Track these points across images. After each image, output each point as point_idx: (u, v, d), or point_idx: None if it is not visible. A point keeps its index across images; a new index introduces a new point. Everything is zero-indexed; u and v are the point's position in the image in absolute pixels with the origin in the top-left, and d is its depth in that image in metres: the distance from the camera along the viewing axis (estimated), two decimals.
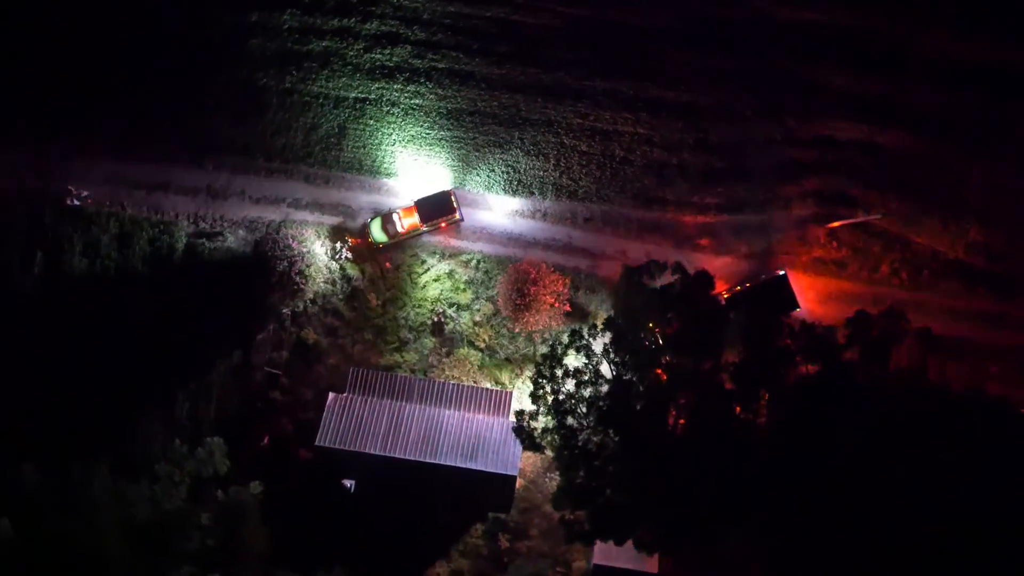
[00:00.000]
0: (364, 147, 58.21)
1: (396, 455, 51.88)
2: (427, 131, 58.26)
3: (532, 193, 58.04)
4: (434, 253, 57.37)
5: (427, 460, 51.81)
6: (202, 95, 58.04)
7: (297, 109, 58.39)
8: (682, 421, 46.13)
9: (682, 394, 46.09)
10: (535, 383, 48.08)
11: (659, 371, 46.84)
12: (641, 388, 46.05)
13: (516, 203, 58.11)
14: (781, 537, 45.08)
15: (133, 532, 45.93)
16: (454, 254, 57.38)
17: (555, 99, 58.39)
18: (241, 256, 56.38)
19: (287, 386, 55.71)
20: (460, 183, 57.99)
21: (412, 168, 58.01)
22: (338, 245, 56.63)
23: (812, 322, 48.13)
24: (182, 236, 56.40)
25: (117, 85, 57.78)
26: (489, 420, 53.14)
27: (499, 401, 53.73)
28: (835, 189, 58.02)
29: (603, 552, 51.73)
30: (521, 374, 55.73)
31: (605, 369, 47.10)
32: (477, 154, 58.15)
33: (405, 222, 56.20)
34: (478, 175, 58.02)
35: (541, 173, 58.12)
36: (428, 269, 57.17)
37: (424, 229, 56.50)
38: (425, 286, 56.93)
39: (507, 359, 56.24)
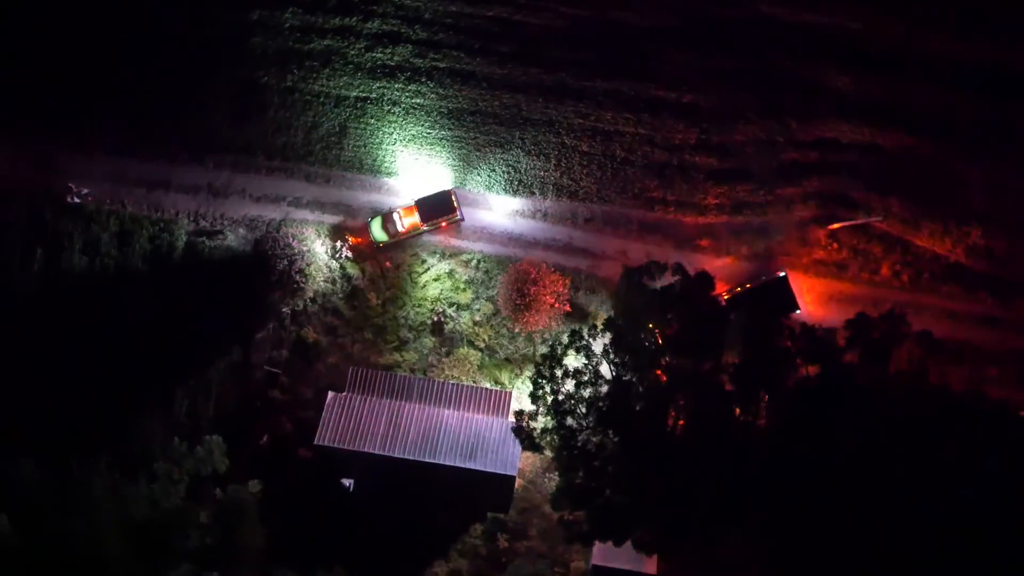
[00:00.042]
0: (365, 146, 58.19)
1: (395, 454, 51.84)
2: (428, 130, 58.23)
3: (533, 193, 58.00)
4: (434, 252, 57.35)
5: (426, 460, 51.77)
6: (203, 93, 58.06)
7: (298, 108, 58.37)
8: (681, 422, 46.08)
9: (682, 395, 46.04)
10: (535, 383, 48.03)
11: (659, 372, 46.80)
12: (641, 389, 46.01)
13: (517, 203, 58.08)
14: (781, 537, 45.05)
15: (132, 530, 45.98)
16: (454, 253, 57.36)
17: (556, 99, 58.36)
18: (241, 254, 56.37)
19: (286, 385, 55.71)
20: (461, 183, 57.96)
21: (413, 167, 57.98)
22: (338, 244, 56.62)
23: (812, 324, 48.07)
24: (182, 234, 56.40)
25: (118, 83, 57.80)
26: (488, 420, 53.10)
27: (498, 401, 53.69)
28: (836, 191, 57.99)
29: (602, 553, 51.70)
30: (521, 374, 55.70)
31: (605, 370, 47.06)
32: (478, 154, 58.12)
33: (405, 221, 56.18)
34: (479, 175, 57.99)
35: (542, 173, 58.08)
36: (428, 268, 57.15)
37: (424, 228, 56.47)
38: (425, 285, 56.91)
39: (507, 359, 56.21)
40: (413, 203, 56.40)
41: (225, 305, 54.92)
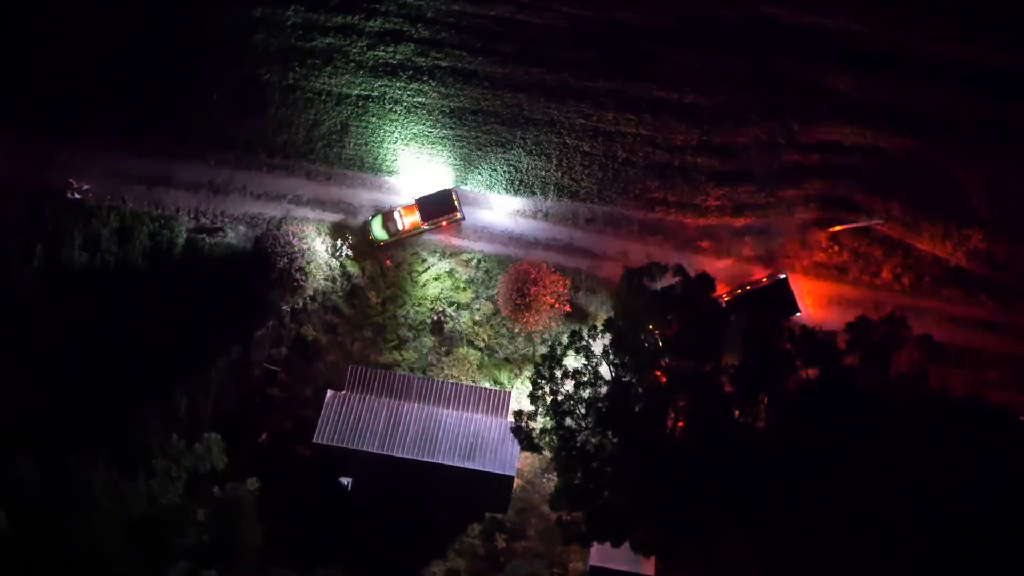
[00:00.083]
0: (366, 144, 58.14)
1: (394, 454, 51.80)
2: (429, 129, 58.18)
3: (534, 193, 57.96)
4: (435, 251, 57.30)
5: (425, 459, 51.73)
6: (205, 90, 57.98)
7: (299, 105, 58.33)
8: (681, 424, 46.04)
9: (681, 396, 46.00)
10: (534, 383, 48.01)
11: (658, 373, 46.77)
12: (640, 390, 45.97)
13: (518, 203, 58.03)
14: (781, 537, 45.04)
15: (129, 527, 45.92)
16: (455, 253, 57.31)
17: (558, 99, 58.30)
18: (241, 252, 56.32)
19: (286, 383, 55.67)
20: (462, 182, 57.92)
21: (414, 166, 57.93)
22: (339, 242, 56.57)
23: (812, 326, 48.06)
24: (183, 231, 56.35)
25: (119, 79, 57.75)
26: (487, 420, 53.07)
27: (498, 401, 53.66)
28: (837, 193, 57.97)
29: (600, 554, 51.67)
30: (520, 374, 55.66)
31: (604, 370, 47.02)
32: (479, 153, 58.07)
33: (406, 220, 56.13)
34: (480, 174, 57.94)
35: (543, 173, 58.04)
36: (428, 267, 57.10)
37: (425, 227, 56.43)
38: (425, 284, 56.86)
39: (506, 359, 56.17)
40: (414, 202, 56.36)
41: (225, 302, 54.86)
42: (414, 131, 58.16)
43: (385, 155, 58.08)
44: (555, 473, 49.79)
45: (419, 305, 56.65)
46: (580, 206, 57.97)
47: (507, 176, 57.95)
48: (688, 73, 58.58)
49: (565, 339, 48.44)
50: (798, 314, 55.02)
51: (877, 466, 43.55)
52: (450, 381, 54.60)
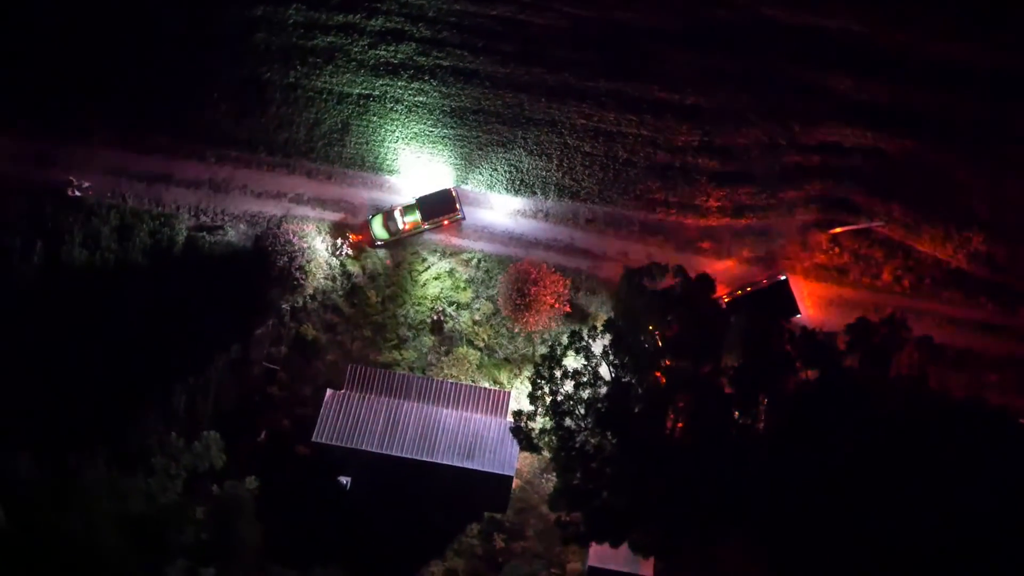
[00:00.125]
0: (367, 143, 58.11)
1: (393, 453, 51.77)
2: (430, 128, 58.15)
3: (534, 193, 57.92)
4: (435, 251, 57.27)
5: (424, 459, 51.69)
6: (206, 88, 57.95)
7: (301, 104, 58.29)
8: (680, 424, 46.01)
9: (681, 397, 45.96)
10: (534, 383, 47.98)
11: (658, 374, 46.73)
12: (640, 391, 45.94)
13: (518, 202, 58.00)
14: (781, 537, 45.01)
15: (128, 524, 45.87)
16: (455, 252, 57.27)
17: (559, 99, 58.27)
18: (241, 250, 56.29)
19: (285, 381, 55.62)
20: (462, 181, 57.89)
21: (415, 165, 57.90)
22: (339, 241, 56.54)
23: (813, 328, 48.04)
24: (183, 229, 56.32)
25: (120, 77, 57.72)
26: (487, 420, 53.03)
27: (497, 401, 53.62)
28: (838, 195, 57.94)
29: (598, 554, 51.64)
30: (520, 374, 55.62)
31: (604, 371, 46.98)
32: (480, 153, 58.04)
33: (406, 219, 56.08)
34: (481, 174, 57.91)
35: (544, 173, 58.01)
36: (429, 267, 57.07)
37: (425, 227, 56.39)
38: (425, 284, 56.82)
39: (506, 359, 56.13)
40: (414, 201, 56.31)
41: (225, 301, 54.84)
42: (415, 130, 58.13)
43: (386, 154, 58.05)
44: (554, 473, 49.77)
45: (419, 304, 56.61)
46: (581, 206, 57.94)
47: (508, 176, 57.92)
48: (689, 74, 58.56)
49: (565, 339, 48.42)
50: (798, 316, 54.97)
51: (877, 466, 43.54)
52: (450, 381, 54.57)
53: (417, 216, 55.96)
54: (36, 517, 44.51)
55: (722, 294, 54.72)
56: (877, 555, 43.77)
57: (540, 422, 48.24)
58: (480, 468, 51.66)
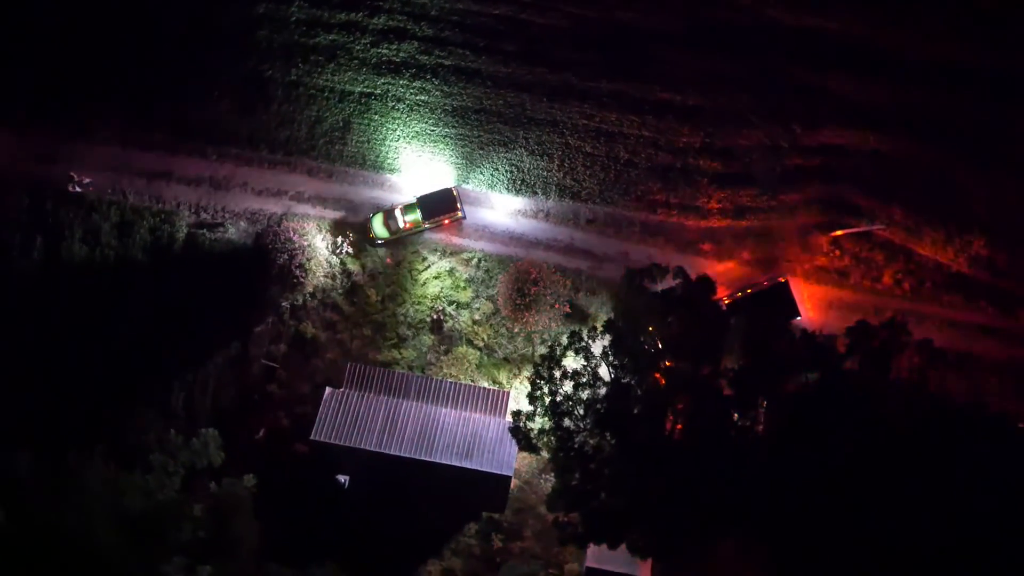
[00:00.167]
0: (368, 142, 58.06)
1: (391, 452, 51.70)
2: (432, 128, 58.11)
3: (535, 193, 57.87)
4: (435, 250, 57.22)
5: (422, 458, 51.62)
6: (207, 85, 57.91)
7: (302, 102, 58.25)
8: (679, 426, 45.95)
9: (680, 399, 45.90)
10: (533, 384, 47.91)
11: (657, 375, 46.66)
12: (639, 392, 45.87)
13: (519, 202, 57.95)
14: (781, 538, 44.97)
15: (125, 521, 45.81)
16: (455, 252, 57.23)
17: (561, 99, 58.23)
18: (242, 248, 56.27)
19: (284, 379, 55.58)
20: (463, 181, 57.84)
21: (416, 164, 57.85)
22: (339, 239, 56.49)
23: (813, 330, 47.98)
24: (183, 226, 56.30)
25: (122, 74, 57.67)
26: (485, 419, 52.97)
27: (496, 401, 53.57)
28: (839, 197, 57.87)
29: (596, 555, 51.58)
30: (519, 374, 55.57)
31: (604, 372, 46.92)
32: (481, 152, 58.00)
33: (407, 218, 56.03)
34: (482, 173, 57.87)
35: (545, 173, 57.96)
36: (429, 266, 57.02)
37: (426, 226, 56.34)
38: (425, 283, 56.78)
39: (505, 359, 56.08)
40: (415, 200, 56.26)
41: (224, 298, 54.87)
42: (416, 129, 58.09)
43: (387, 153, 58.00)
44: (552, 474, 49.73)
45: (419, 303, 56.56)
46: (581, 207, 57.89)
47: (509, 175, 57.87)
48: (691, 75, 58.51)
49: (565, 340, 48.34)
50: (798, 318, 54.94)
51: (877, 467, 43.53)
52: (449, 380, 54.51)
53: (418, 215, 55.91)
54: (34, 514, 44.44)
55: (722, 296, 54.67)
56: (877, 555, 43.74)
57: (539, 422, 48.17)
58: (478, 468, 51.59)
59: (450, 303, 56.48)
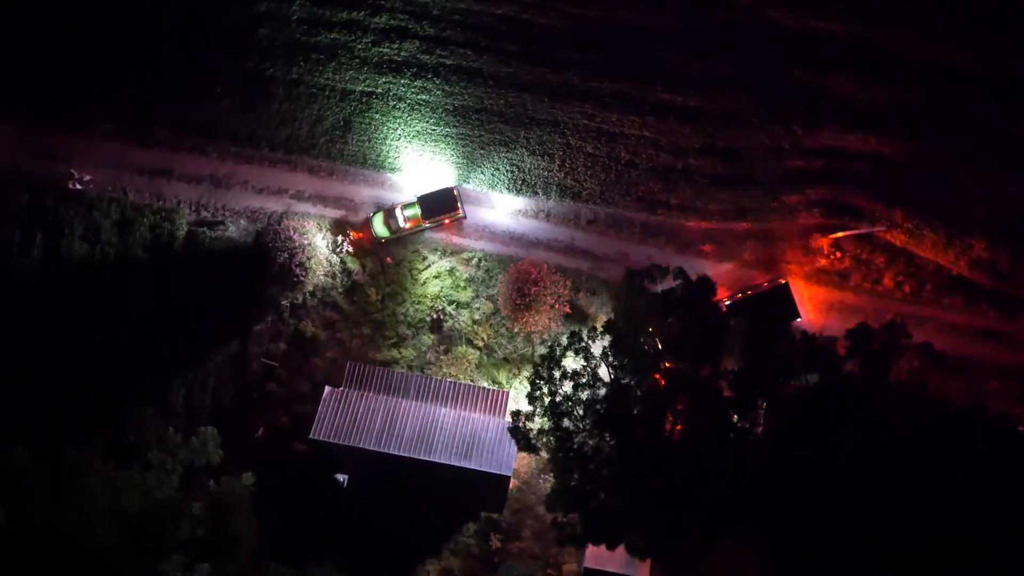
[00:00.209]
0: (369, 141, 58.02)
1: (390, 451, 51.68)
2: (433, 127, 58.06)
3: (536, 193, 57.82)
4: (435, 250, 57.18)
5: (421, 457, 51.60)
6: (209, 84, 57.85)
7: (303, 100, 58.19)
8: (679, 427, 45.92)
9: (680, 400, 45.87)
10: (532, 384, 47.87)
11: (657, 376, 46.62)
12: (639, 392, 45.84)
13: (520, 202, 57.91)
14: (780, 538, 44.95)
15: (124, 519, 45.75)
16: (456, 251, 57.18)
17: (562, 99, 58.17)
18: (242, 246, 56.25)
19: (284, 378, 55.54)
20: (464, 180, 57.80)
21: (416, 164, 57.81)
22: (339, 238, 56.44)
23: (813, 332, 47.93)
24: (183, 224, 56.27)
25: (123, 71, 57.62)
26: (485, 419, 52.94)
27: (495, 401, 53.54)
28: (840, 199, 57.80)
29: (594, 556, 51.56)
30: (519, 374, 55.54)
31: (603, 372, 46.88)
32: (482, 152, 57.95)
33: (407, 217, 55.98)
34: (482, 173, 57.82)
35: (546, 173, 57.92)
36: (429, 265, 56.98)
37: (426, 225, 56.30)
38: (425, 282, 56.73)
39: (505, 359, 56.04)
40: (416, 199, 56.21)
41: (224, 296, 54.85)
42: (417, 128, 58.04)
43: (388, 152, 57.95)
44: (551, 474, 49.70)
45: (419, 303, 56.53)
46: (582, 207, 57.84)
47: (510, 175, 57.82)
48: (692, 75, 58.45)
49: (564, 340, 48.30)
50: (798, 320, 54.91)
51: (876, 467, 43.53)
52: (448, 380, 54.48)
53: (418, 214, 55.87)
54: (32, 511, 44.39)
55: (722, 297, 54.63)
56: (877, 555, 43.74)
57: (538, 422, 48.13)
58: (477, 468, 51.56)
59: (450, 303, 56.44)
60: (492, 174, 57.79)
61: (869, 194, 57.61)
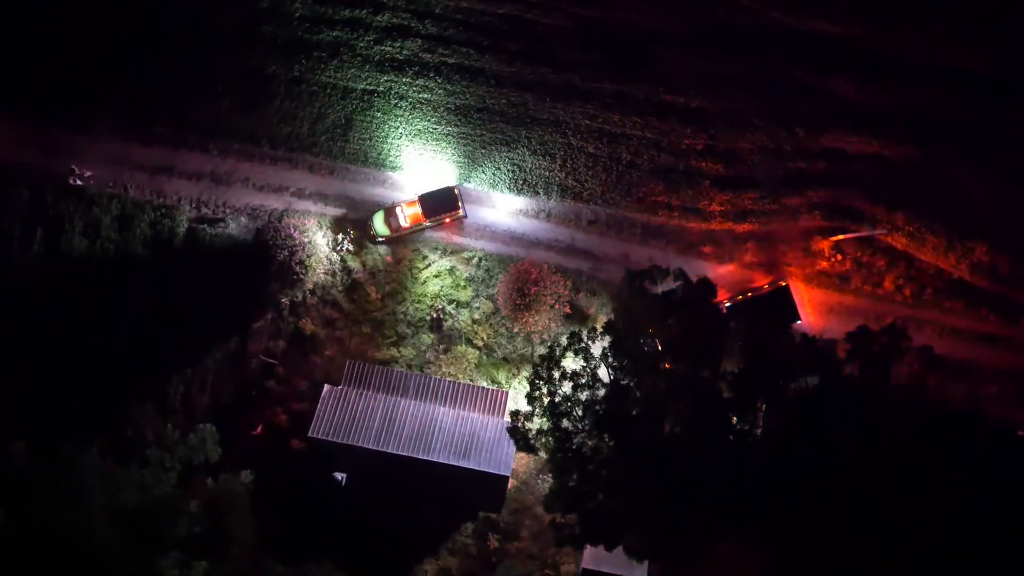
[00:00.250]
0: (370, 139, 57.97)
1: (389, 450, 51.62)
2: (434, 126, 58.02)
3: (537, 193, 57.79)
4: (436, 249, 57.14)
5: (420, 456, 51.54)
6: (210, 81, 57.81)
7: (304, 98, 58.15)
8: (678, 428, 45.86)
9: (679, 401, 45.81)
10: (532, 384, 47.80)
11: (657, 377, 46.56)
12: (638, 393, 45.79)
13: (520, 202, 57.88)
14: (780, 539, 44.92)
15: (122, 516, 45.67)
16: (456, 251, 57.14)
17: (564, 99, 58.14)
18: (242, 243, 56.23)
19: (283, 376, 55.48)
20: (465, 179, 57.76)
21: (417, 162, 57.77)
22: (340, 236, 56.40)
23: (813, 335, 47.89)
24: (184, 221, 56.23)
25: (124, 68, 57.57)
26: (484, 419, 52.89)
27: (495, 400, 53.48)
28: (841, 202, 57.79)
29: (592, 557, 51.51)
30: (518, 374, 55.50)
31: (603, 373, 46.83)
32: (483, 151, 57.91)
33: (408, 216, 55.93)
34: (484, 172, 57.78)
35: (547, 173, 57.88)
36: (429, 265, 56.93)
37: (427, 224, 56.25)
38: (425, 282, 56.69)
39: (505, 358, 56.00)
40: (416, 198, 56.17)
41: (224, 294, 54.79)
42: (419, 127, 58.00)
43: (389, 150, 57.92)
44: (550, 474, 49.65)
45: (419, 302, 56.48)
46: (583, 207, 57.81)
47: (511, 175, 57.78)
48: (694, 77, 58.44)
49: (564, 340, 48.22)
50: (799, 322, 54.89)
51: (876, 468, 43.53)
52: (447, 379, 54.43)
53: (419, 213, 55.82)
54: (29, 507, 44.32)
55: (723, 298, 54.59)
56: (877, 555, 43.73)
57: (537, 423, 48.05)
58: (476, 467, 51.51)
59: (450, 302, 56.39)
60: (493, 173, 57.75)
61: (870, 197, 57.60)
